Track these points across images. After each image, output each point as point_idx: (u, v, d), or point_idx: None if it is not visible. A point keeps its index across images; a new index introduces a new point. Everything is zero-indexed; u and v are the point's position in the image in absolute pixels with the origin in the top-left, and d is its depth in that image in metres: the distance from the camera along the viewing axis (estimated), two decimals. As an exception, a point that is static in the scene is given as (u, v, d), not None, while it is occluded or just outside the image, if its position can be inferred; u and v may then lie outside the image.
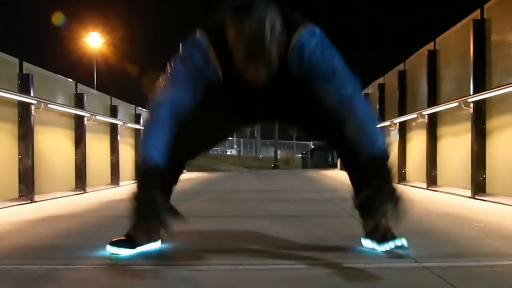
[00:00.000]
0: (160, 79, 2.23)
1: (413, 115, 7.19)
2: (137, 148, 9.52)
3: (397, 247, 2.24)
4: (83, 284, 1.84)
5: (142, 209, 2.02)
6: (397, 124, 8.02)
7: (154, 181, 2.06)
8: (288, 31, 2.04)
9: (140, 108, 10.22)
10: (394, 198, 2.01)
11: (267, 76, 2.01)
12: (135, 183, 2.11)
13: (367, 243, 2.34)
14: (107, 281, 1.86)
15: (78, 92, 6.89)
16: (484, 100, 5.13)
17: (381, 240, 2.26)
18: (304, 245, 2.58)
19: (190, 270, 2.01)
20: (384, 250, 2.25)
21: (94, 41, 34.01)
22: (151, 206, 2.00)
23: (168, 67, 2.22)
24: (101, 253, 2.31)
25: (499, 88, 4.64)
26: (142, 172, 2.10)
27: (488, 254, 2.30)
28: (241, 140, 44.13)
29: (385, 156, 2.10)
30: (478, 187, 5.11)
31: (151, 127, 2.17)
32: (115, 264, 2.12)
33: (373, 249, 2.29)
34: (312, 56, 2.10)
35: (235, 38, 1.93)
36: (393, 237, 2.25)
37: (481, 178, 5.12)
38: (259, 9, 1.90)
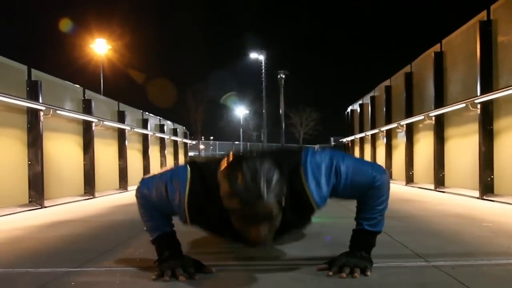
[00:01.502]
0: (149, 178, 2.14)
1: (420, 117, 7.18)
2: (145, 154, 9.57)
3: None
4: (95, 286, 1.86)
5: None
6: (404, 126, 8.02)
7: (173, 244, 2.06)
8: (292, 181, 1.86)
9: (147, 113, 10.25)
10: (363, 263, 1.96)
11: (271, 236, 1.82)
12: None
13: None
14: (120, 283, 1.87)
15: (86, 98, 6.94)
16: (491, 101, 5.13)
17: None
18: (315, 245, 2.59)
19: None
20: None
21: (100, 47, 34.14)
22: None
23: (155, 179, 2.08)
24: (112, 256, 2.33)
25: (506, 89, 4.64)
26: (158, 242, 2.06)
27: (498, 253, 2.30)
28: (248, 144, 44.12)
29: (375, 234, 2.05)
30: (486, 188, 5.10)
31: (144, 207, 2.10)
32: (126, 266, 2.14)
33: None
34: (332, 185, 1.96)
35: (228, 195, 1.73)
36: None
37: (489, 179, 5.11)
38: (252, 162, 1.73)
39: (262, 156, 1.79)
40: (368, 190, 2.01)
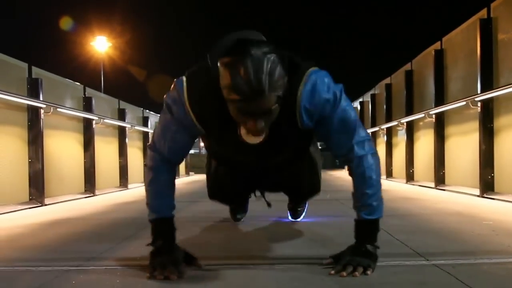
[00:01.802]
0: (154, 130, 2.16)
1: (421, 115, 7.18)
2: (145, 154, 9.56)
3: None
4: (96, 285, 1.86)
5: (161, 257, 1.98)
6: (405, 124, 8.02)
7: (168, 231, 2.06)
8: (291, 80, 1.81)
9: (147, 111, 10.25)
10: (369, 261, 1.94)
11: (265, 131, 1.82)
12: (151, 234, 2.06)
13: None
14: (120, 282, 1.87)
15: (86, 95, 6.94)
16: (491, 99, 5.13)
17: None
18: (316, 244, 2.60)
19: (202, 269, 2.02)
20: None
21: (101, 45, 34.10)
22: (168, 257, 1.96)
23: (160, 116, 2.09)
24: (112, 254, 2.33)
25: (506, 87, 4.63)
26: (155, 226, 2.06)
27: (498, 252, 2.30)
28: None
29: (376, 221, 2.02)
30: (487, 186, 5.10)
31: (152, 183, 2.08)
32: (127, 265, 2.14)
33: None
34: (323, 110, 1.92)
35: (228, 87, 1.67)
36: None
37: (489, 177, 5.11)
38: (256, 53, 1.64)
39: (268, 43, 1.73)
40: (350, 158, 2.00)
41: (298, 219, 3.44)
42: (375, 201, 2.01)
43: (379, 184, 2.04)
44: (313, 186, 2.82)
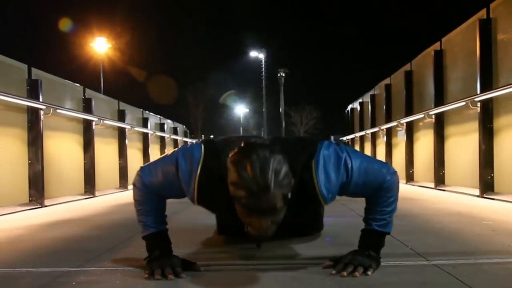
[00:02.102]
0: (152, 163, 2.16)
1: (420, 115, 7.18)
2: (145, 156, 9.56)
3: None
4: (96, 285, 1.86)
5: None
6: (404, 124, 8.01)
7: (164, 243, 2.08)
8: (303, 173, 1.88)
9: (147, 112, 10.25)
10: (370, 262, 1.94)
11: (273, 229, 1.80)
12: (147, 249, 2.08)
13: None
14: (121, 282, 1.87)
15: (86, 97, 6.94)
16: (491, 99, 5.13)
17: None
18: (316, 244, 2.60)
19: (202, 270, 2.02)
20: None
21: (100, 46, 34.13)
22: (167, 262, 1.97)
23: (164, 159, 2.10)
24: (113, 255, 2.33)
25: (506, 87, 4.63)
26: (150, 240, 2.09)
27: (498, 252, 2.30)
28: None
29: (384, 235, 2.05)
30: (486, 186, 5.10)
31: (142, 203, 2.11)
32: (127, 265, 2.14)
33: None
34: (342, 181, 1.95)
35: (234, 184, 1.70)
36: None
37: (489, 177, 5.11)
38: (262, 153, 1.68)
39: (273, 146, 1.76)
40: (378, 190, 2.01)
41: None
42: (390, 217, 2.05)
43: (396, 202, 2.07)
44: (317, 227, 2.86)
